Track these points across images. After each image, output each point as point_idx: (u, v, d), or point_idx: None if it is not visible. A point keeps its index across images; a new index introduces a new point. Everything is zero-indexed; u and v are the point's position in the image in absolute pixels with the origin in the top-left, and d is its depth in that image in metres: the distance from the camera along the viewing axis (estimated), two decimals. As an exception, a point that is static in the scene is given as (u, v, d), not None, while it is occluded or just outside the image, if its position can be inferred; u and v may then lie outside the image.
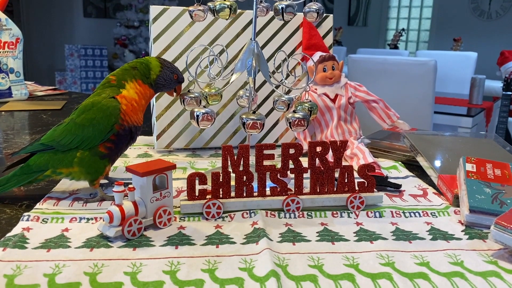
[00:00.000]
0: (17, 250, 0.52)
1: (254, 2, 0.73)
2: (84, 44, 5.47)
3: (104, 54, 5.45)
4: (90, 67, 5.39)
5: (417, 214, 0.66)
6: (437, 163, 0.80)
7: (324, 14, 0.91)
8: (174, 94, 0.76)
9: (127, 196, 0.57)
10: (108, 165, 0.67)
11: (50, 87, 1.86)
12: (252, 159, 0.65)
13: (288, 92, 0.76)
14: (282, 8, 0.72)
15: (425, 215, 0.66)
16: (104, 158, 0.66)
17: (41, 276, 0.47)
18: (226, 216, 0.63)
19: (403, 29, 5.48)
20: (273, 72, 0.94)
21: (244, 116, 0.70)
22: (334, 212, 0.66)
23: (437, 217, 0.65)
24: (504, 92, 2.58)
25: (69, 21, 5.84)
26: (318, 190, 0.67)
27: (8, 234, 0.55)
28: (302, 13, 0.77)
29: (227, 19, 0.75)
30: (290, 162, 0.66)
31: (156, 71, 0.70)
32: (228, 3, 0.72)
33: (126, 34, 5.62)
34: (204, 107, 0.73)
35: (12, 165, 0.70)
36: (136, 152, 0.94)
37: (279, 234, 0.59)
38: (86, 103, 0.66)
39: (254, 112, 0.71)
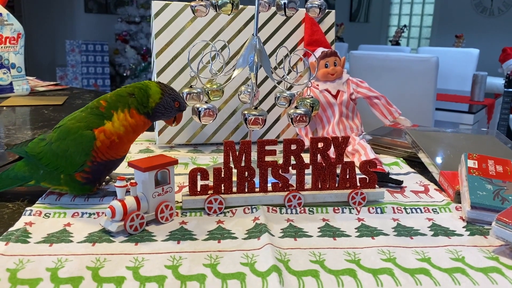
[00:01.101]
0: (19, 245, 0.52)
1: (256, -2, 0.73)
2: (85, 40, 5.46)
3: (105, 49, 5.44)
4: (91, 63, 5.38)
5: (418, 210, 0.66)
6: (439, 160, 0.80)
7: (326, 10, 0.91)
8: (173, 124, 0.70)
9: (129, 191, 0.57)
10: (95, 187, 0.66)
11: (52, 83, 1.86)
12: (254, 155, 0.65)
13: (290, 88, 0.76)
14: (284, 3, 0.71)
15: (427, 211, 0.66)
16: (85, 185, 0.64)
17: (43, 271, 0.47)
18: (228, 212, 0.63)
19: (405, 26, 5.47)
20: (275, 68, 0.94)
21: (246, 112, 0.70)
22: (336, 208, 0.66)
23: (438, 213, 0.65)
24: (505, 89, 2.57)
25: (70, 17, 5.83)
26: (319, 186, 0.67)
27: (11, 229, 0.55)
28: (304, 9, 0.77)
29: (229, 15, 0.74)
30: (292, 158, 0.66)
31: (155, 98, 0.64)
32: (230, -2, 0.72)
33: (127, 29, 5.61)
34: (206, 102, 0.73)
35: (5, 164, 0.69)
36: (137, 148, 0.94)
37: (281, 229, 0.59)
38: (63, 129, 0.62)
39: (256, 108, 0.71)
